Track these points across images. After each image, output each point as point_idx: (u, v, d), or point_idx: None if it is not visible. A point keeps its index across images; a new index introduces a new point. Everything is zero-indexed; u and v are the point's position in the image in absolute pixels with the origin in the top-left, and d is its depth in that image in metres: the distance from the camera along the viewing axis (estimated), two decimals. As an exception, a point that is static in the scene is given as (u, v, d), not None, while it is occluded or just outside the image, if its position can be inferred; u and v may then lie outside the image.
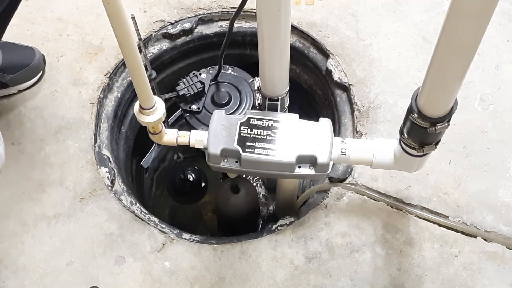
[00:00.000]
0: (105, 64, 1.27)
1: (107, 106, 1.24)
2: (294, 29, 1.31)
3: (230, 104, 1.17)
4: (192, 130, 0.93)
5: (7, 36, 1.17)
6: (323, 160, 0.86)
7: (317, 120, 0.91)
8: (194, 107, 1.16)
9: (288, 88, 0.96)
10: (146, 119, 0.83)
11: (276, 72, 0.90)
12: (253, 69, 1.10)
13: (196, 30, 1.36)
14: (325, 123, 0.90)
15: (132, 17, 0.88)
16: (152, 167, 1.49)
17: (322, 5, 1.35)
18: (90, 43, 1.30)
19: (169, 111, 1.18)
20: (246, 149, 0.87)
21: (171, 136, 0.92)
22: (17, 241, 1.05)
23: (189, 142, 0.91)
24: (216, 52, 1.22)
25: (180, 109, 1.17)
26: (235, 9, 1.10)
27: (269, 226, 1.09)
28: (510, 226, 1.03)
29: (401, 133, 0.85)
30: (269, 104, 0.95)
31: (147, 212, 1.10)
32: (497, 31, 1.28)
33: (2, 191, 1.10)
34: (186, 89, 1.15)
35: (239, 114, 1.15)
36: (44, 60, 1.24)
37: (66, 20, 1.33)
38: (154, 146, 1.43)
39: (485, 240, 1.03)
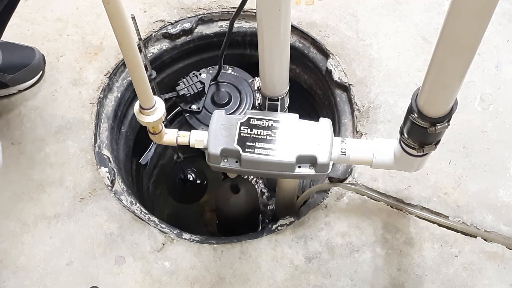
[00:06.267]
0: (105, 64, 1.27)
1: (107, 106, 1.24)
2: (294, 29, 1.31)
3: (230, 104, 1.17)
4: (192, 130, 0.93)
5: (7, 36, 1.17)
6: (323, 160, 0.86)
7: (317, 120, 0.91)
8: (194, 107, 1.16)
9: (288, 88, 0.96)
10: (146, 119, 0.83)
11: (276, 72, 0.90)
12: (253, 69, 1.10)
13: (196, 30, 1.36)
14: (325, 123, 0.90)
15: (132, 17, 0.88)
16: (151, 165, 1.49)
17: (322, 5, 1.35)
18: (90, 43, 1.30)
19: (168, 110, 1.17)
20: (246, 149, 0.87)
21: (171, 136, 0.92)
22: (17, 241, 1.05)
23: (189, 142, 0.91)
24: (216, 52, 1.22)
25: (178, 108, 1.18)
26: (235, 9, 1.10)
27: (269, 226, 1.09)
28: (510, 226, 1.03)
29: (401, 133, 0.85)
30: (269, 104, 0.95)
31: (147, 212, 1.11)
32: (497, 31, 1.28)
33: (2, 191, 1.10)
34: (186, 89, 1.15)
35: (239, 114, 1.15)
36: (44, 60, 1.24)
37: (66, 20, 1.33)
38: (153, 144, 1.43)
39: (485, 240, 1.03)
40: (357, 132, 1.18)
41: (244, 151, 0.86)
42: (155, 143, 1.23)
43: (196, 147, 0.91)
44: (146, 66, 0.90)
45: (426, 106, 0.76)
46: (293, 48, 1.17)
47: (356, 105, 1.20)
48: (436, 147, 0.83)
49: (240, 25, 1.36)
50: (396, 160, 0.91)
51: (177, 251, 1.04)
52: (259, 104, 1.01)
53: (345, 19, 1.32)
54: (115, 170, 1.15)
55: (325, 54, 1.29)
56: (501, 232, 1.03)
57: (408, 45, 1.27)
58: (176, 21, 1.34)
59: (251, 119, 0.90)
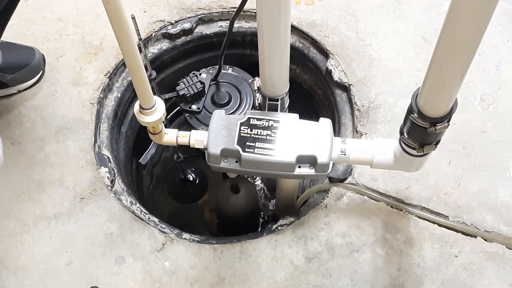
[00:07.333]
0: (105, 64, 1.27)
1: (107, 106, 1.24)
2: (294, 29, 1.31)
3: (230, 104, 1.17)
4: (192, 130, 0.93)
5: (7, 36, 1.17)
6: (323, 160, 0.86)
7: (317, 120, 0.91)
8: (194, 107, 1.16)
9: (288, 88, 0.96)
10: (146, 119, 0.83)
11: (276, 72, 0.90)
12: (253, 69, 1.10)
13: (196, 30, 1.36)
14: (325, 123, 0.90)
15: (132, 17, 0.88)
16: (151, 165, 1.49)
17: (322, 5, 1.35)
18: (90, 43, 1.30)
19: (168, 110, 1.18)
20: (246, 149, 0.87)
21: (171, 136, 0.92)
22: (17, 241, 1.05)
23: (189, 142, 0.91)
24: (216, 52, 1.22)
25: (178, 108, 1.18)
26: (235, 9, 1.10)
27: (269, 226, 1.09)
28: (510, 226, 1.03)
29: (401, 133, 0.85)
30: (269, 104, 0.95)
31: (147, 212, 1.11)
32: (497, 31, 1.28)
33: (2, 191, 1.10)
34: (186, 89, 1.15)
35: (239, 114, 1.15)
36: (44, 60, 1.24)
37: (66, 20, 1.33)
38: (153, 144, 1.43)
39: (485, 240, 1.03)
40: (357, 132, 1.18)
41: (244, 151, 0.86)
42: (155, 143, 1.23)
43: (196, 147, 0.91)
44: (146, 66, 0.90)
45: (426, 106, 0.76)
46: (293, 48, 1.17)
47: (356, 105, 1.20)
48: (436, 147, 0.83)
49: (240, 25, 1.36)
50: (396, 160, 0.91)
51: (177, 251, 1.04)
52: (259, 104, 1.02)
53: (345, 19, 1.32)
54: (115, 170, 1.15)
55: (325, 54, 1.29)
56: (501, 232, 1.03)
57: (408, 45, 1.27)
58: (176, 21, 1.34)
59: (251, 119, 0.90)
